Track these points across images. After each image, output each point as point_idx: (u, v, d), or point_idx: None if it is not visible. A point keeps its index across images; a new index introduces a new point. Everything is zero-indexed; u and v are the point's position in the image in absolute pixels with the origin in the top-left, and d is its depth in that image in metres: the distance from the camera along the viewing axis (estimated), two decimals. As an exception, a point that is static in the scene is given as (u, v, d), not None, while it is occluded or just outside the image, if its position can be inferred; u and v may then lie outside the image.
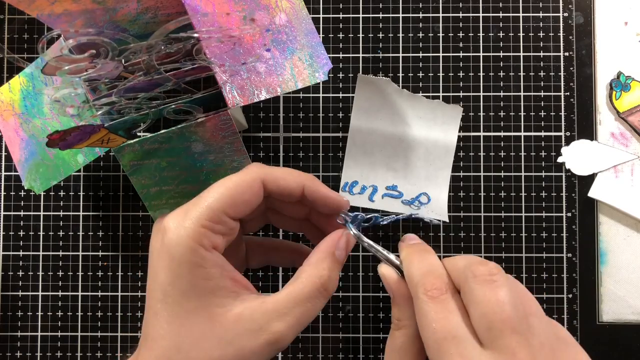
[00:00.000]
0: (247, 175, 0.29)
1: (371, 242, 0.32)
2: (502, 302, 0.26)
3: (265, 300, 0.28)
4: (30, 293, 0.43)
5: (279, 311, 0.27)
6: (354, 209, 0.42)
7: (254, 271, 0.43)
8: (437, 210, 0.42)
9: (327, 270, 0.29)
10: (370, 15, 0.43)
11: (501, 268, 0.28)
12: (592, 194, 0.42)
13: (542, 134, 0.43)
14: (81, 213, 0.44)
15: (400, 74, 0.43)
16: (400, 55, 0.43)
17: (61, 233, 0.44)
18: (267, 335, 0.27)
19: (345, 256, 0.31)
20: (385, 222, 0.33)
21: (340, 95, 0.43)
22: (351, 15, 0.43)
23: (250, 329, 0.27)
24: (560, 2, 0.43)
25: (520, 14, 0.43)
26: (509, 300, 0.26)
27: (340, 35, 0.43)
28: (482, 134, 0.43)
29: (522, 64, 0.43)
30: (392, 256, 0.32)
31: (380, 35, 0.43)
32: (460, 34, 0.43)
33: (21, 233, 0.44)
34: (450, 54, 0.43)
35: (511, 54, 0.43)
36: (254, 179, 0.29)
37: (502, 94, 0.43)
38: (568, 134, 0.43)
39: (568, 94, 0.43)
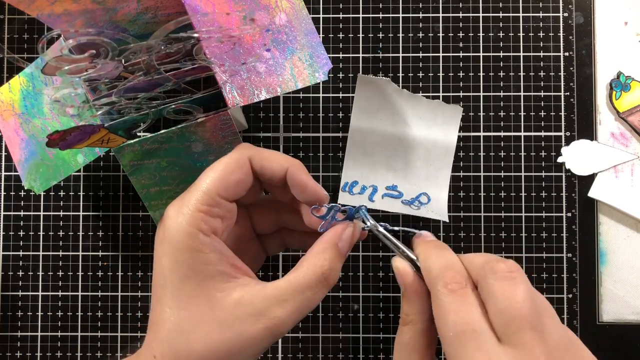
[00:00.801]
0: (235, 155, 0.30)
1: (387, 234, 0.32)
2: (521, 299, 0.26)
3: (266, 286, 0.28)
4: (30, 293, 0.43)
5: (279, 297, 0.28)
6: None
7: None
8: (437, 210, 0.42)
9: (328, 261, 0.29)
10: (370, 15, 0.43)
11: (520, 267, 0.28)
12: (592, 194, 0.42)
13: (542, 134, 0.43)
14: (81, 213, 0.44)
15: (400, 74, 0.43)
16: (400, 55, 0.43)
17: (61, 233, 0.44)
18: (266, 320, 0.27)
19: (349, 249, 0.31)
20: (365, 228, 0.33)
21: (340, 95, 0.43)
22: (351, 15, 0.43)
23: (249, 313, 0.27)
24: (560, 2, 0.43)
25: (520, 14, 0.43)
26: (528, 297, 0.26)
27: (340, 35, 0.44)
28: (482, 134, 0.43)
29: (522, 64, 0.43)
30: (408, 250, 0.31)
31: (380, 35, 0.43)
32: (460, 34, 0.43)
33: (21, 233, 0.44)
34: (450, 54, 0.43)
35: (511, 54, 0.43)
36: (241, 157, 0.30)
37: (502, 94, 0.43)
38: (568, 134, 0.43)
39: (568, 94, 0.43)
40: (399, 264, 0.31)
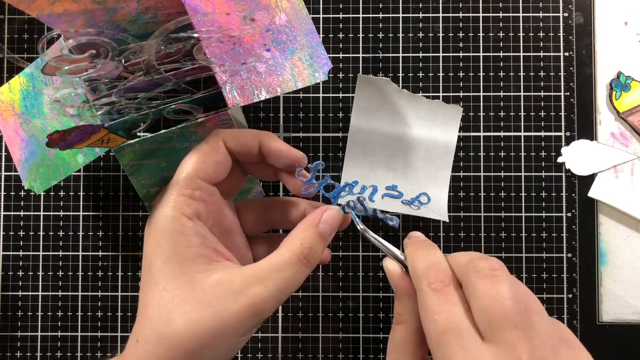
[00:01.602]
0: (209, 139, 0.31)
1: (376, 236, 0.32)
2: (503, 297, 0.26)
3: (246, 267, 0.29)
4: (30, 293, 0.43)
5: (259, 276, 0.28)
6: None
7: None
8: (437, 210, 0.42)
9: (307, 239, 0.30)
10: (370, 15, 0.43)
11: (503, 264, 0.28)
12: (592, 194, 0.42)
13: (542, 134, 0.43)
14: (81, 213, 0.44)
15: (400, 74, 0.43)
16: (400, 55, 0.43)
17: (61, 233, 0.44)
18: (245, 298, 0.27)
19: (331, 231, 0.31)
20: (349, 211, 0.33)
21: (340, 95, 0.43)
22: (351, 15, 0.43)
23: (229, 291, 0.27)
24: (560, 2, 0.43)
25: (520, 14, 0.43)
26: (510, 295, 0.26)
27: (340, 35, 0.43)
28: (482, 134, 0.43)
29: (522, 64, 0.43)
30: (397, 251, 0.32)
31: (380, 35, 0.43)
32: (460, 34, 0.43)
33: (21, 233, 0.44)
34: (450, 54, 0.43)
35: (511, 54, 0.43)
36: (216, 140, 0.31)
37: (502, 94, 0.43)
38: (568, 134, 0.43)
39: (568, 94, 0.43)
40: (389, 265, 0.32)
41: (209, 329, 0.27)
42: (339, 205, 0.32)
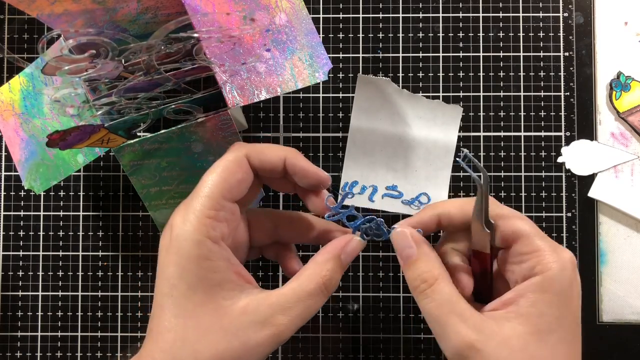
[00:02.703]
0: (232, 155, 0.30)
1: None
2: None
3: (270, 294, 0.28)
4: (30, 293, 0.43)
5: (283, 305, 0.28)
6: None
7: (254, 269, 0.43)
8: (437, 210, 0.42)
9: (330, 272, 0.30)
10: (370, 15, 0.43)
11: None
12: (592, 194, 0.42)
13: (542, 134, 0.43)
14: (81, 213, 0.44)
15: (400, 74, 0.43)
16: (400, 55, 0.43)
17: (61, 233, 0.44)
18: (271, 327, 0.27)
19: (351, 261, 0.31)
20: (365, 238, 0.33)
21: (340, 95, 0.43)
22: (351, 15, 0.43)
23: (255, 321, 0.27)
24: (560, 2, 0.43)
25: (520, 14, 0.43)
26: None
27: (340, 35, 0.43)
28: (482, 134, 0.43)
29: (522, 64, 0.43)
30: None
31: (380, 35, 0.43)
32: (460, 34, 0.43)
33: (21, 233, 0.44)
34: (450, 54, 0.43)
35: (511, 54, 0.43)
36: (239, 157, 0.30)
37: (502, 94, 0.43)
38: (568, 134, 0.43)
39: (568, 94, 0.43)
40: (404, 230, 0.31)
41: (234, 358, 0.27)
42: (358, 231, 0.32)
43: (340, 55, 0.43)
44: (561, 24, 0.43)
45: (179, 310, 0.27)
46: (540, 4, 0.43)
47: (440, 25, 0.43)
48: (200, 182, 0.29)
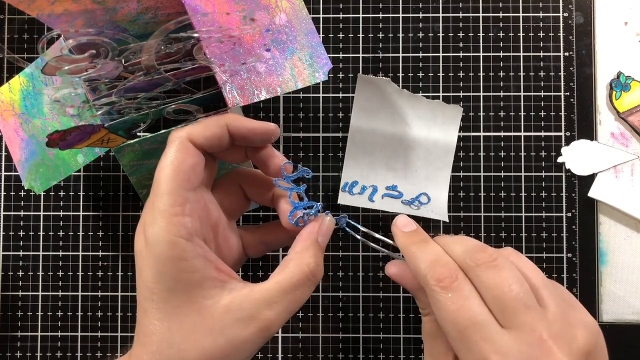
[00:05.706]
0: (175, 143, 0.29)
1: (369, 242, 0.32)
2: (509, 283, 0.27)
3: (254, 288, 0.28)
4: (30, 293, 0.43)
5: (269, 300, 0.28)
6: (354, 209, 0.42)
7: (255, 269, 0.43)
8: (437, 210, 0.42)
9: (313, 258, 0.30)
10: (370, 15, 0.43)
11: (497, 251, 0.29)
12: (592, 194, 0.42)
13: (542, 134, 0.43)
14: (81, 213, 0.44)
15: (400, 74, 0.43)
16: (400, 55, 0.43)
17: (61, 233, 0.44)
18: (257, 323, 0.27)
19: (327, 241, 0.31)
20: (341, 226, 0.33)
21: (340, 95, 0.43)
22: (351, 15, 0.43)
23: (240, 318, 0.27)
24: (560, 2, 0.43)
25: (520, 14, 0.43)
26: (514, 279, 0.27)
27: (340, 35, 0.43)
28: (482, 134, 0.43)
29: (522, 64, 0.43)
30: (392, 254, 0.32)
31: (380, 35, 0.43)
32: (460, 34, 0.43)
33: (21, 233, 0.44)
34: (450, 54, 0.43)
35: (511, 54, 0.43)
36: (183, 142, 0.29)
37: (502, 94, 0.43)
38: (568, 134, 0.43)
39: (568, 94, 0.43)
40: (391, 271, 0.32)
41: (221, 356, 0.27)
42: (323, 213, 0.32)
43: (340, 55, 0.43)
44: (561, 24, 0.43)
45: (160, 313, 0.27)
46: (540, 4, 0.43)
47: (440, 25, 0.43)
48: (155, 179, 0.28)
